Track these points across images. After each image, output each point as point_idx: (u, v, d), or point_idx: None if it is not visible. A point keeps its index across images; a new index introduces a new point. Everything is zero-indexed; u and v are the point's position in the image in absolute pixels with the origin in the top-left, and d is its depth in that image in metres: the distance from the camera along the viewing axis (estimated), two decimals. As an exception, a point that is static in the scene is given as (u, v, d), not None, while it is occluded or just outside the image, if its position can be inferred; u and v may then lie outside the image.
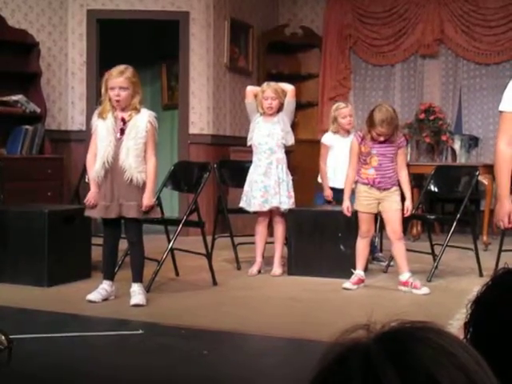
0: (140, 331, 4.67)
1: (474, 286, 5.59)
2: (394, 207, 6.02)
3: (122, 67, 5.50)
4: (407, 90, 10.25)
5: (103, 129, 5.44)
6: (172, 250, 6.25)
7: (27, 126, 8.31)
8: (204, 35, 9.12)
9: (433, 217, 7.67)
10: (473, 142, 9.71)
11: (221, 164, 7.63)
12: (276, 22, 10.67)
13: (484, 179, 8.34)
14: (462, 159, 9.57)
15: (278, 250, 6.77)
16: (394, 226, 6.02)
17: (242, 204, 6.78)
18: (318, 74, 10.62)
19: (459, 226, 6.73)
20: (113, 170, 5.40)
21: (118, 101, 5.38)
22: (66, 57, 9.12)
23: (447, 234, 6.63)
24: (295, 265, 6.58)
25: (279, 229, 6.79)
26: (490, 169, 7.68)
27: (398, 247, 6.05)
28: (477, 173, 7.00)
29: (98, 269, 6.43)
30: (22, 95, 8.28)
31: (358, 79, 10.49)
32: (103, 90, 5.48)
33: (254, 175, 6.72)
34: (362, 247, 6.14)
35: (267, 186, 6.62)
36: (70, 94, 9.15)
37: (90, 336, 4.59)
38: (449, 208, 9.34)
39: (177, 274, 6.52)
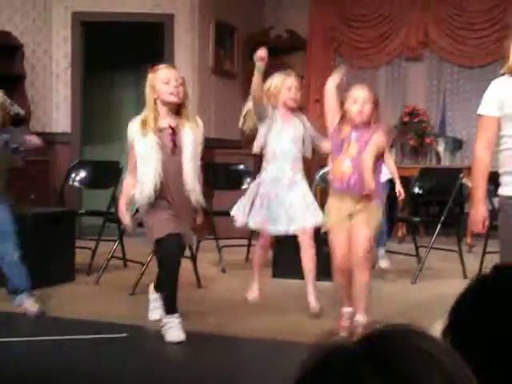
0: (124, 334, 4.66)
1: (458, 288, 5.60)
2: (366, 223, 4.63)
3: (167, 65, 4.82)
4: (391, 93, 10.28)
5: (144, 146, 4.50)
6: (156, 251, 6.23)
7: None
8: (189, 38, 9.11)
9: (417, 219, 7.69)
10: (457, 145, 9.75)
11: (206, 166, 7.61)
12: (261, 25, 10.68)
13: (468, 181, 8.36)
14: (446, 162, 9.59)
15: (312, 281, 5.32)
16: (358, 246, 4.62)
17: (240, 219, 5.44)
18: (303, 77, 10.62)
19: (444, 228, 6.76)
20: (171, 191, 4.54)
21: (176, 94, 4.49)
22: (51, 59, 9.09)
23: (432, 236, 6.65)
24: (280, 267, 6.57)
25: (311, 256, 5.27)
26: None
27: (359, 281, 4.68)
28: (461, 175, 7.03)
29: (83, 272, 6.43)
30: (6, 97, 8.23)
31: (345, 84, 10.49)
32: (148, 93, 4.55)
33: (269, 187, 5.36)
34: (340, 284, 4.88)
35: (293, 202, 5.28)
36: (54, 97, 9.12)
37: (75, 339, 4.57)
38: (433, 210, 9.37)
39: (162, 276, 6.50)
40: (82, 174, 7.24)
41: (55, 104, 9.12)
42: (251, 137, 5.46)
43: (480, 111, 3.83)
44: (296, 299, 5.74)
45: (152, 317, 4.94)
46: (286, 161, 5.31)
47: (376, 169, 4.69)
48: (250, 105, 5.37)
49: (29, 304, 5.16)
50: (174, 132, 4.51)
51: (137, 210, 5.40)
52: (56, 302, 5.55)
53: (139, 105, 10.22)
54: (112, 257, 6.40)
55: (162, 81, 4.49)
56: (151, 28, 9.34)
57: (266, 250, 5.67)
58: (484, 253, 6.42)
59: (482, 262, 6.34)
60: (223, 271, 6.89)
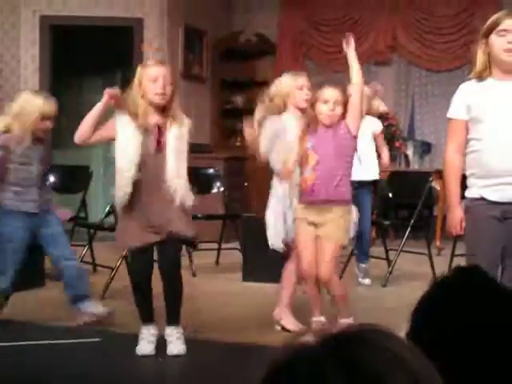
0: (97, 339, 4.64)
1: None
2: (330, 238, 4.51)
3: (157, 59, 4.58)
4: (361, 97, 10.31)
5: (125, 139, 4.25)
6: (126, 257, 6.21)
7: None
8: (158, 42, 9.09)
9: (387, 222, 7.72)
10: (425, 148, 9.81)
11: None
12: (230, 29, 10.68)
13: (437, 185, 8.42)
14: (415, 165, 9.65)
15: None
16: (322, 263, 4.52)
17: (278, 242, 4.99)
18: (272, 81, 10.63)
19: (413, 231, 6.79)
20: (151, 191, 4.28)
21: (162, 94, 4.24)
22: (19, 63, 9.03)
23: (401, 239, 6.69)
24: (250, 271, 6.57)
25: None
26: (442, 174, 7.75)
27: (334, 293, 4.68)
28: (430, 178, 7.08)
29: (53, 277, 6.38)
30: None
31: (313, 86, 10.52)
32: (135, 86, 4.29)
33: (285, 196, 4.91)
34: (313, 293, 4.76)
35: None
36: (22, 101, 9.06)
37: (47, 344, 4.54)
38: (403, 214, 9.41)
39: (132, 281, 6.48)
40: (51, 178, 7.19)
41: (24, 108, 9.05)
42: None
43: (449, 115, 3.88)
44: (269, 303, 5.74)
45: None
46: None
47: (347, 169, 4.56)
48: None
49: (94, 308, 5.01)
50: (160, 131, 4.28)
51: (109, 213, 5.33)
52: (26, 308, 5.51)
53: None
54: (81, 262, 6.37)
55: (149, 78, 4.25)
56: (120, 32, 9.32)
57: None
58: (453, 255, 6.46)
59: (450, 265, 6.38)
60: (193, 275, 6.88)
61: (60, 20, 9.01)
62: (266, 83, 10.46)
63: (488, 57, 3.70)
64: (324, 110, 4.49)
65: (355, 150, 4.64)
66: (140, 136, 4.24)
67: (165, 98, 4.27)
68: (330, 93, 4.53)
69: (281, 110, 4.99)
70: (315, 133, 4.51)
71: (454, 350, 1.20)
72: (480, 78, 3.73)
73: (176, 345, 4.35)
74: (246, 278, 6.58)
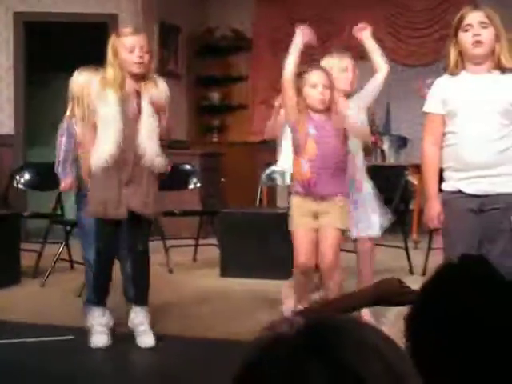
0: (71, 336, 4.62)
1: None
2: (333, 224, 4.31)
3: (132, 27, 4.57)
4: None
5: (105, 110, 4.25)
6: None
7: (-47, 131, 8.15)
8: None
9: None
10: (401, 143, 9.84)
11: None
12: (206, 25, 10.66)
13: (413, 179, 8.46)
14: (391, 160, 9.68)
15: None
16: (327, 250, 4.32)
17: None
18: (247, 77, 10.64)
19: (389, 225, 6.80)
20: (123, 156, 4.30)
21: (140, 63, 4.23)
22: (-8, 60, 8.96)
23: (378, 233, 6.70)
24: (228, 266, 6.56)
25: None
26: (418, 168, 7.77)
27: (331, 286, 4.42)
28: (406, 172, 7.10)
29: (29, 275, 6.36)
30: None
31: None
32: (110, 56, 4.27)
33: None
34: (301, 284, 4.56)
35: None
36: (-4, 98, 8.99)
37: (20, 342, 4.51)
38: (379, 208, 9.44)
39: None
40: (27, 176, 7.15)
41: (-2, 106, 9.00)
42: None
43: (425, 109, 3.91)
44: (247, 298, 5.74)
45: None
46: None
47: (345, 162, 4.40)
48: None
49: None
50: (139, 95, 4.29)
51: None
52: (1, 306, 5.48)
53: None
54: (58, 259, 6.33)
55: (126, 49, 4.23)
56: (95, 28, 9.27)
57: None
58: (429, 249, 6.49)
59: (427, 258, 6.41)
60: (170, 272, 6.86)
61: (34, 17, 8.95)
62: (241, 79, 10.59)
63: (460, 54, 3.76)
64: (314, 95, 4.29)
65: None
66: (119, 106, 4.25)
67: (143, 66, 4.26)
68: (317, 77, 4.33)
69: None
70: (312, 120, 4.28)
71: (459, 336, 1.21)
72: (454, 74, 3.78)
73: (147, 336, 4.41)
74: (223, 274, 6.58)
